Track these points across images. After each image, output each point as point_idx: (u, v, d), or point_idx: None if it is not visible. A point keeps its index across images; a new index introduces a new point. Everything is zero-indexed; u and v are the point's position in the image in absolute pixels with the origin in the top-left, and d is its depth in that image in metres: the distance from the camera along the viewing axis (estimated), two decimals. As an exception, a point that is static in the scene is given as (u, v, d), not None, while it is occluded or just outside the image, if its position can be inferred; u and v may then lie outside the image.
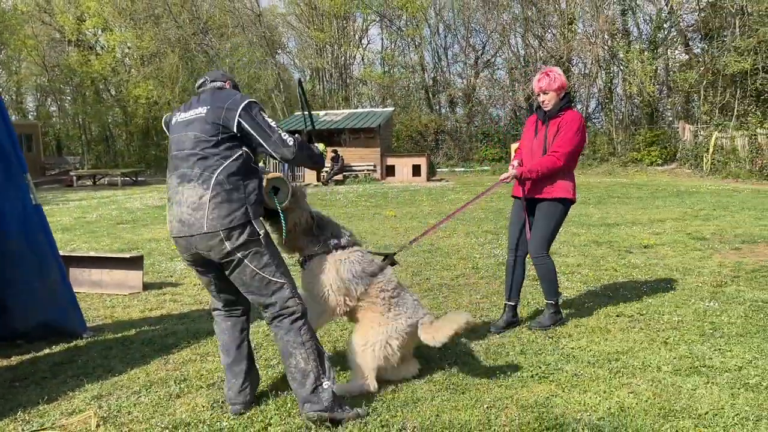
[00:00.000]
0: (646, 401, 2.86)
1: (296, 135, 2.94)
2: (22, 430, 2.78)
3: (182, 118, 2.87)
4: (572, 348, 3.64)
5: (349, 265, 3.11)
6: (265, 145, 2.76)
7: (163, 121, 3.13)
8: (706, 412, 2.73)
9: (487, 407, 2.84)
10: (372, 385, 3.06)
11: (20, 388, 3.30)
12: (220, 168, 2.71)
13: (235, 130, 2.75)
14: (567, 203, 4.08)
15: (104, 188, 21.21)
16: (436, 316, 3.35)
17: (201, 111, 2.79)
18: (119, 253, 6.68)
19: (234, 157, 2.75)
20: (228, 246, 2.69)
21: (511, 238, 4.24)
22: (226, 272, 2.81)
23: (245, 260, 2.74)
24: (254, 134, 2.74)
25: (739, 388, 2.99)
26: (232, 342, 2.98)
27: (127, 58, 33.23)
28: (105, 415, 2.89)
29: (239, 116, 2.72)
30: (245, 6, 32.81)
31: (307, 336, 2.78)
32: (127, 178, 22.97)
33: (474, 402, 2.90)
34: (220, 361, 3.07)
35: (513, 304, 4.18)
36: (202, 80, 3.00)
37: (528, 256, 4.15)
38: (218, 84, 2.94)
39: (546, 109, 4.05)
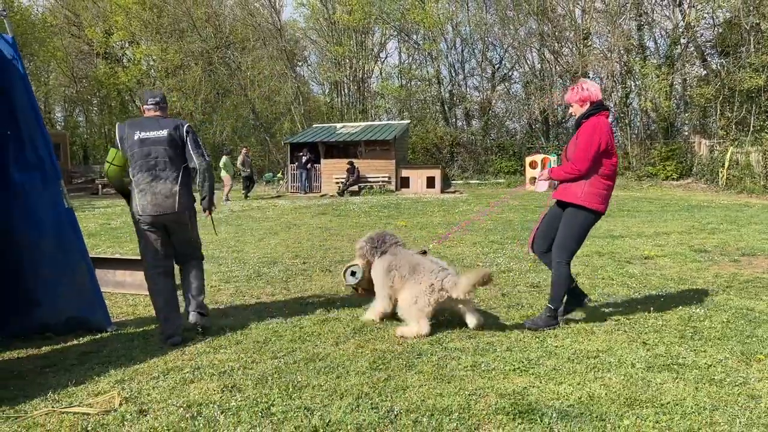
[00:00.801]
0: (615, 392, 3.12)
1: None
2: (53, 407, 3.12)
3: (146, 135, 4.21)
4: (556, 346, 3.90)
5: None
6: (193, 154, 4.27)
7: (117, 127, 4.36)
8: (668, 402, 2.99)
9: (468, 394, 3.12)
10: (425, 328, 4.17)
11: (50, 374, 3.64)
12: (181, 170, 4.27)
13: (182, 143, 4.28)
14: (589, 213, 4.19)
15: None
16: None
17: (163, 133, 4.23)
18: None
19: (187, 164, 4.31)
20: (186, 219, 4.36)
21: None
22: (175, 233, 4.36)
23: (189, 226, 4.42)
24: (190, 145, 4.28)
25: (704, 383, 3.24)
26: (168, 293, 4.33)
27: (152, 70, 34.22)
28: (127, 395, 3.23)
29: (185, 133, 4.29)
30: (267, 21, 33.62)
31: (203, 272, 4.66)
32: (150, 187, 23.56)
33: (457, 390, 3.18)
34: (158, 307, 4.29)
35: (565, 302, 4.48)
36: (155, 100, 4.39)
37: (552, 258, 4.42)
38: (163, 110, 4.41)
39: (574, 118, 4.42)
